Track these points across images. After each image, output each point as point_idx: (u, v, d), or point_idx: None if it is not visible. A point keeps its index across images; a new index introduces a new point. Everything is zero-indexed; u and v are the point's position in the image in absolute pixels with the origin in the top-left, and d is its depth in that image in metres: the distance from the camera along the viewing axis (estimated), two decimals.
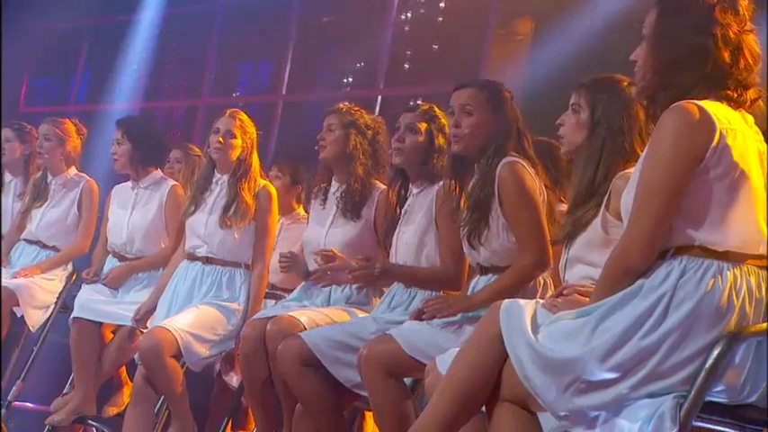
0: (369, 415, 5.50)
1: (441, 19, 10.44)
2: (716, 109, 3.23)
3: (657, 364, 3.17)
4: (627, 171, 3.86)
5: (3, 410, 6.28)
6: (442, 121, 4.94)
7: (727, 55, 3.28)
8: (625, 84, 4.08)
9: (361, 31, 10.95)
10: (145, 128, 6.50)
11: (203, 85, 11.84)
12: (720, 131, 3.18)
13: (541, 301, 3.58)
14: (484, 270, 4.60)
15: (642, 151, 3.75)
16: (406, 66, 10.76)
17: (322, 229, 5.38)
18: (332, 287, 5.22)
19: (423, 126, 4.89)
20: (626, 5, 9.35)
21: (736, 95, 3.30)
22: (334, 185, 5.39)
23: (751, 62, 3.33)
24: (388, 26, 10.68)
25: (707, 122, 3.19)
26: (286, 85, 11.22)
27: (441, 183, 4.87)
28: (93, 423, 6.04)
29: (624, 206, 3.44)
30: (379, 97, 10.60)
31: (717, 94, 3.28)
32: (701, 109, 3.20)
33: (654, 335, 3.19)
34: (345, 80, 11.11)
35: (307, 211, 6.35)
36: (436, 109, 5.00)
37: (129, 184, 6.24)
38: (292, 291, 5.69)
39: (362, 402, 4.95)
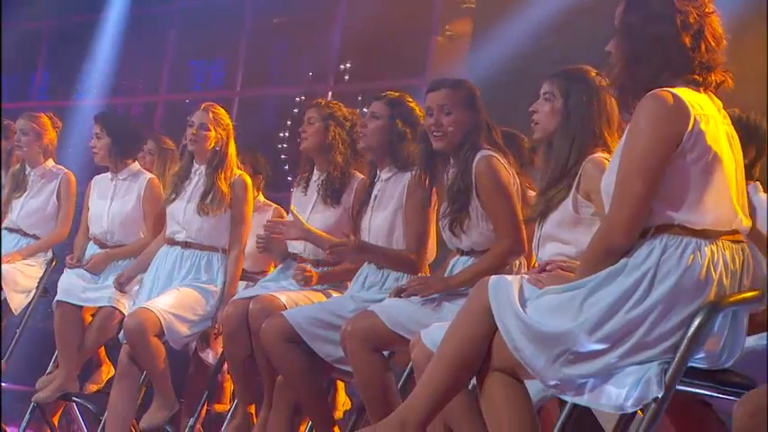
0: (341, 386, 5.72)
1: (386, 20, 10.66)
2: (689, 96, 3.36)
3: (643, 335, 3.32)
4: (596, 155, 4.12)
5: None
6: (412, 108, 5.16)
7: (688, 40, 3.40)
8: (593, 74, 4.29)
9: (311, 31, 11.25)
10: (122, 122, 6.75)
11: (161, 82, 12.01)
12: (695, 117, 3.33)
13: (527, 276, 3.72)
14: (463, 253, 4.80)
15: (611, 136, 4.16)
16: (348, 64, 11.05)
17: (303, 214, 5.57)
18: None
19: (385, 112, 5.10)
20: (562, 6, 9.89)
21: (701, 79, 3.42)
22: (315, 174, 5.61)
23: (713, 44, 3.44)
24: (337, 27, 10.92)
25: (682, 109, 3.34)
26: (240, 82, 11.43)
27: (413, 172, 5.12)
28: (77, 399, 6.23)
29: (605, 189, 3.57)
30: (330, 93, 10.74)
31: (683, 78, 3.41)
32: (675, 96, 3.34)
33: (640, 308, 3.32)
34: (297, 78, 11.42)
35: (268, 199, 6.72)
36: (406, 98, 5.23)
37: (108, 175, 6.40)
38: (262, 274, 6.02)
39: (339, 374, 5.18)
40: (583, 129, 4.17)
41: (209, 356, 5.93)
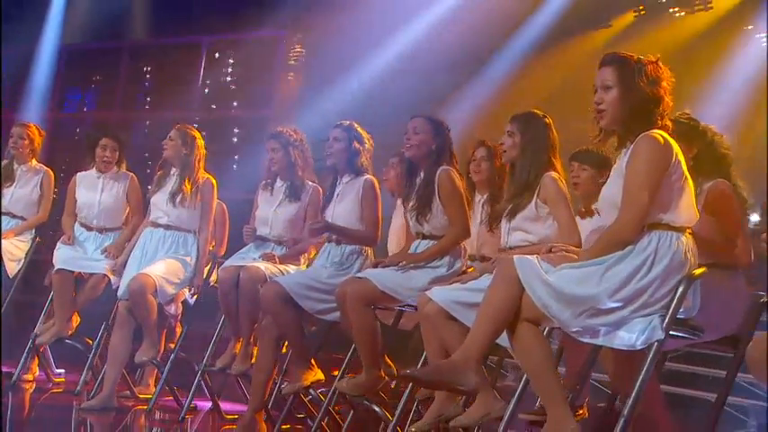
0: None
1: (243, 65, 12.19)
2: (667, 137, 3.96)
3: (648, 297, 3.91)
4: (549, 173, 4.94)
5: None
6: (361, 132, 5.99)
7: (669, 99, 4.04)
8: (541, 115, 5.10)
9: (180, 79, 12.53)
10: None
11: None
12: (675, 152, 3.95)
13: (540, 256, 4.21)
14: (425, 237, 5.52)
15: (556, 160, 4.97)
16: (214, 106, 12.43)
17: (270, 208, 6.45)
18: (272, 247, 6.33)
19: (344, 136, 5.94)
20: (403, 52, 11.35)
21: (669, 125, 4.03)
22: (279, 182, 6.48)
23: (672, 104, 4.06)
24: (200, 69, 12.27)
25: (669, 147, 3.95)
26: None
27: (365, 176, 5.98)
28: (70, 341, 7.00)
29: (608, 197, 4.14)
30: (197, 118, 11.97)
31: (659, 125, 4.01)
32: (664, 138, 3.94)
33: (645, 280, 3.89)
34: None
35: None
36: (355, 125, 6.01)
37: (93, 173, 7.19)
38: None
39: (316, 321, 5.99)
40: (537, 156, 4.97)
41: (172, 309, 6.59)
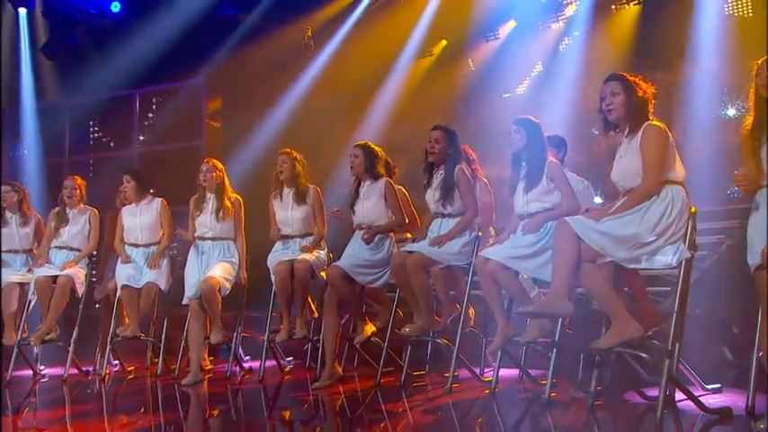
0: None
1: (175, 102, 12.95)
2: (663, 124, 4.60)
3: (674, 230, 4.58)
4: (550, 160, 5.69)
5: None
6: (373, 148, 6.81)
7: (653, 101, 4.79)
8: (535, 119, 5.83)
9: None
10: (139, 171, 8.47)
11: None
12: (670, 134, 4.66)
13: (583, 214, 4.86)
14: (444, 216, 6.37)
15: (550, 151, 5.78)
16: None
17: (286, 212, 7.25)
18: (296, 243, 7.17)
19: (360, 152, 6.83)
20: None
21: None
22: (286, 190, 7.29)
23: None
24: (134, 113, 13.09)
25: (667, 131, 4.65)
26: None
27: (383, 179, 6.71)
28: (144, 338, 8.00)
29: (631, 168, 4.76)
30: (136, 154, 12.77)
31: (652, 117, 4.73)
32: (663, 125, 4.64)
33: (670, 218, 4.55)
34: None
35: None
36: (369, 143, 6.89)
37: (133, 205, 8.09)
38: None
39: (369, 289, 6.85)
40: (540, 148, 5.81)
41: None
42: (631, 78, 4.90)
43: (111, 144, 13.58)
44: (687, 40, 9.98)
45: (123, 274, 7.89)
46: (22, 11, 12.73)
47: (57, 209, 8.48)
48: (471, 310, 6.89)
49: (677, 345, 4.68)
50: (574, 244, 4.68)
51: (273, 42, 12.15)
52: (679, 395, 4.96)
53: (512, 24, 12.56)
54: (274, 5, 12.14)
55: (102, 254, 8.62)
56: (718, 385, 5.56)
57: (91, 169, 12.94)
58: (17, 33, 12.91)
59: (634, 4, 11.53)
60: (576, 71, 11.26)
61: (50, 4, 12.83)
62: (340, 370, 6.95)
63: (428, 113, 11.23)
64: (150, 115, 13.24)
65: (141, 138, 13.32)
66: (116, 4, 12.77)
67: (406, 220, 6.94)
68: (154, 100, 13.23)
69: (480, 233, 6.49)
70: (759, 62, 4.75)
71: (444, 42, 13.01)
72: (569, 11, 12.05)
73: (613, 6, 11.73)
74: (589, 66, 11.17)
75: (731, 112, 10.46)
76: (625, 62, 10.36)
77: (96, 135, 13.42)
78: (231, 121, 12.83)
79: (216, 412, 6.06)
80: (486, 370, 6.86)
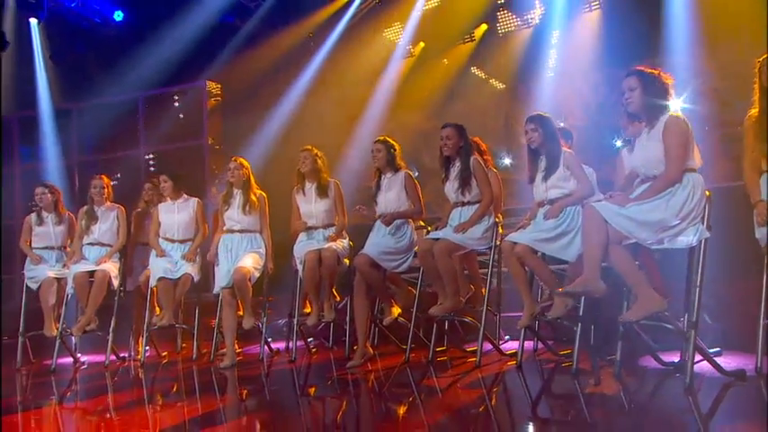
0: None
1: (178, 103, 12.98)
2: (683, 115, 4.62)
3: (695, 214, 4.70)
4: (566, 150, 5.85)
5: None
6: (393, 143, 7.00)
7: (672, 93, 4.81)
8: (549, 115, 5.95)
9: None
10: (178, 171, 8.68)
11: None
12: (689, 125, 4.67)
13: (607, 200, 4.88)
14: (463, 204, 6.53)
15: (563, 142, 5.87)
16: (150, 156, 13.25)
17: (309, 205, 7.43)
18: (320, 233, 7.35)
19: (382, 147, 7.04)
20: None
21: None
22: (308, 184, 7.50)
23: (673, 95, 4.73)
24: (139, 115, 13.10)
25: (687, 122, 4.71)
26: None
27: (403, 171, 6.92)
28: (180, 325, 8.21)
29: (654, 157, 4.83)
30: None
31: (670, 108, 4.73)
32: (683, 117, 4.68)
33: (692, 203, 4.67)
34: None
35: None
36: (389, 138, 7.04)
37: (169, 202, 8.33)
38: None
39: (392, 274, 7.00)
40: (556, 141, 6.02)
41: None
42: (649, 72, 5.01)
43: (118, 145, 13.72)
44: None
45: (159, 267, 8.10)
46: (33, 21, 12.87)
47: (85, 207, 8.73)
48: (483, 290, 7.06)
49: (698, 316, 4.85)
50: (602, 228, 4.82)
51: (272, 47, 12.46)
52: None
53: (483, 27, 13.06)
54: (271, 13, 12.57)
55: (129, 248, 8.83)
56: (718, 349, 5.76)
57: (100, 169, 12.84)
58: (30, 43, 13.03)
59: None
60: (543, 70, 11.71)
61: (57, 14, 12.92)
62: (371, 350, 7.17)
63: (412, 106, 11.86)
64: (154, 118, 13.33)
65: (146, 139, 13.47)
66: (119, 12, 12.89)
67: (421, 210, 7.16)
68: (157, 103, 13.34)
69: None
70: (760, 60, 5.02)
71: (422, 44, 13.47)
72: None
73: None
74: (559, 63, 11.64)
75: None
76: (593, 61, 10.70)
77: (103, 137, 13.50)
78: (231, 122, 13.01)
79: (269, 390, 6.26)
80: (500, 343, 7.14)
